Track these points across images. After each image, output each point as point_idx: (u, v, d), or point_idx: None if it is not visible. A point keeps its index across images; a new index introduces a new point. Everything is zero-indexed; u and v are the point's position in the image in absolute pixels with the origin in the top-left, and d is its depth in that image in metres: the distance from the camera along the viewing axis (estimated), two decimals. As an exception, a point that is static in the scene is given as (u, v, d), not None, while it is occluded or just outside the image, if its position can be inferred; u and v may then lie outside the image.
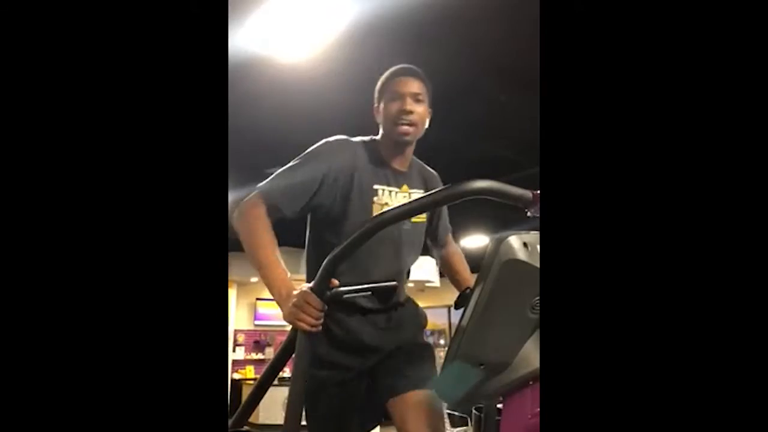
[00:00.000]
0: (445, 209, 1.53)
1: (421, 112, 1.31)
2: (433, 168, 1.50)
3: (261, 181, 1.26)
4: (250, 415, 1.44)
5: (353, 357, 1.31)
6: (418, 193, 1.38)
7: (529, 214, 0.88)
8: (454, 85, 3.08)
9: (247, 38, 2.58)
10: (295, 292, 1.06)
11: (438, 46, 2.73)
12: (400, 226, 1.32)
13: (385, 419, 1.32)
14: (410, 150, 1.38)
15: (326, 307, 1.03)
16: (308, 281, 1.14)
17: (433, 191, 0.91)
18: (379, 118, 1.36)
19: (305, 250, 1.38)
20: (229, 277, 7.92)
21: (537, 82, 0.64)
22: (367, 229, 0.92)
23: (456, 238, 1.61)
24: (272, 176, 1.25)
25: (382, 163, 1.34)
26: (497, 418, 0.92)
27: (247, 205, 1.22)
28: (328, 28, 2.55)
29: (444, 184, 1.49)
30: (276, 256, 1.16)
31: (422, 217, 1.42)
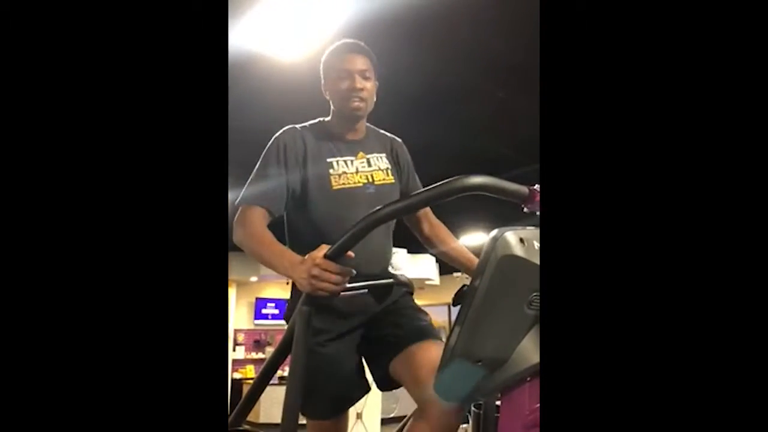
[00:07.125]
0: (413, 174, 1.49)
1: (369, 88, 1.35)
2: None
3: None
4: (249, 413, 1.44)
5: (337, 322, 1.30)
6: (377, 157, 1.40)
7: (525, 209, 0.88)
8: (452, 83, 3.08)
9: (246, 36, 2.58)
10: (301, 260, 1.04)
11: (437, 44, 2.72)
12: (365, 190, 1.33)
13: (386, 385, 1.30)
14: (362, 122, 1.42)
15: (351, 272, 0.99)
16: None
17: (430, 187, 0.90)
18: (328, 95, 1.39)
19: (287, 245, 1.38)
20: (229, 277, 7.94)
21: (536, 80, 0.64)
22: (361, 227, 0.92)
23: (455, 236, 1.59)
24: (246, 186, 1.28)
25: (332, 137, 1.37)
26: (496, 414, 0.92)
27: (240, 219, 1.25)
28: (327, 27, 2.55)
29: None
30: (273, 239, 1.18)
31: (390, 179, 1.40)
